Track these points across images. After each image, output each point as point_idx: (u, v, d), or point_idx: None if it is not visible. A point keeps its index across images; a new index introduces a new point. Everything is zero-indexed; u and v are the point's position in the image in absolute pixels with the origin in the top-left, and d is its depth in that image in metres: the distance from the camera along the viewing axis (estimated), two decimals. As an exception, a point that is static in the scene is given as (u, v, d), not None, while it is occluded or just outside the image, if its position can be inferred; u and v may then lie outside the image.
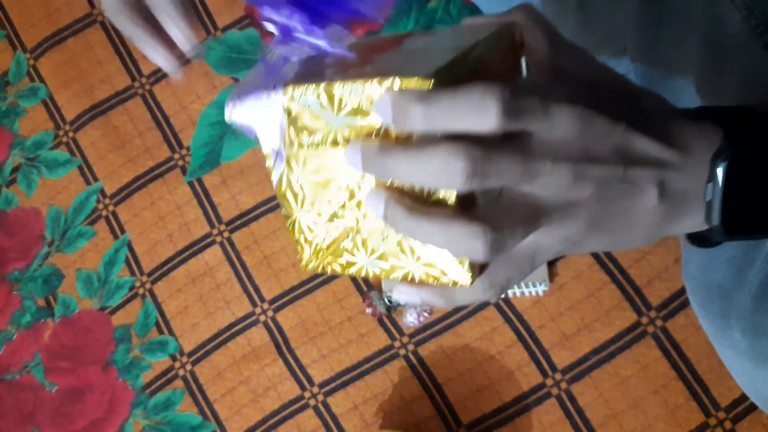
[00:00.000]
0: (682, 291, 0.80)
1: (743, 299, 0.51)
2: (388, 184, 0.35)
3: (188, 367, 0.89)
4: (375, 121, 0.34)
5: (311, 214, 0.38)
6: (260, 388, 0.87)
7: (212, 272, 0.91)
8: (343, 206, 0.37)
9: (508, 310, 0.83)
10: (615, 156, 0.34)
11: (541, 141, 0.33)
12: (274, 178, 0.37)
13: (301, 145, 0.36)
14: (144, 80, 0.98)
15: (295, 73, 0.36)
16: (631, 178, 0.35)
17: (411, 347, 0.85)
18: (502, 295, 0.36)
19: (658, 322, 0.80)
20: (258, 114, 0.36)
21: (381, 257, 0.37)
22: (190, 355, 0.89)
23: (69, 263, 0.94)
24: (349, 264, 0.38)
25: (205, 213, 0.93)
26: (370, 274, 0.38)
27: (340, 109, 0.34)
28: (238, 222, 0.92)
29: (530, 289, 0.82)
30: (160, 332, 0.90)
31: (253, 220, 0.91)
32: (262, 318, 0.89)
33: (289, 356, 0.87)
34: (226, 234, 0.92)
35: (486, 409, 0.82)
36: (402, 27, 0.92)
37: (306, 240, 0.38)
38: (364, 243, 0.38)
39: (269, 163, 0.37)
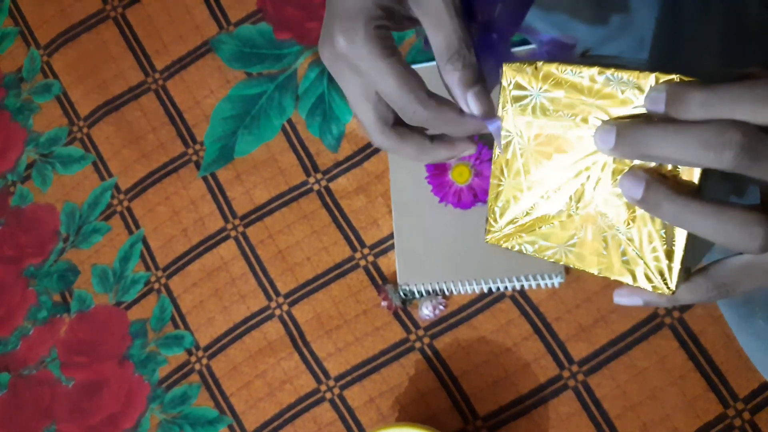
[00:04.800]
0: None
1: (768, 287, 0.51)
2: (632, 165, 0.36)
3: (204, 361, 0.89)
4: (629, 110, 0.35)
5: (523, 186, 0.39)
6: (276, 381, 0.87)
7: (227, 267, 0.91)
8: (563, 189, 0.38)
9: (523, 303, 0.83)
10: None
11: None
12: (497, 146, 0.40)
13: (541, 122, 0.38)
14: (157, 75, 0.98)
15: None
16: None
17: (427, 340, 0.85)
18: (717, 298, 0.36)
19: (676, 314, 0.80)
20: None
21: (579, 246, 0.38)
22: (206, 349, 0.89)
23: (84, 259, 0.95)
24: (543, 248, 0.39)
25: (220, 208, 0.93)
26: (562, 261, 0.39)
27: (597, 93, 0.36)
28: (253, 216, 0.92)
29: (546, 281, 0.81)
30: (176, 327, 0.91)
31: (267, 214, 0.92)
32: (278, 312, 0.89)
33: (304, 350, 0.87)
34: (240, 228, 0.92)
35: (502, 401, 0.82)
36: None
37: (502, 212, 0.40)
38: (565, 227, 0.38)
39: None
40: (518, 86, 0.38)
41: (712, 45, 0.57)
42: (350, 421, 0.85)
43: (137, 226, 0.94)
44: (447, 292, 0.84)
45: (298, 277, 0.89)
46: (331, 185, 0.91)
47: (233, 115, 0.95)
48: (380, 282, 0.87)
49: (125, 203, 0.95)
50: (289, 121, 0.93)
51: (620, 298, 0.38)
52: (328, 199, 0.91)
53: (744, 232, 0.32)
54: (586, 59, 0.40)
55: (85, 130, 0.98)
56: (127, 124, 0.97)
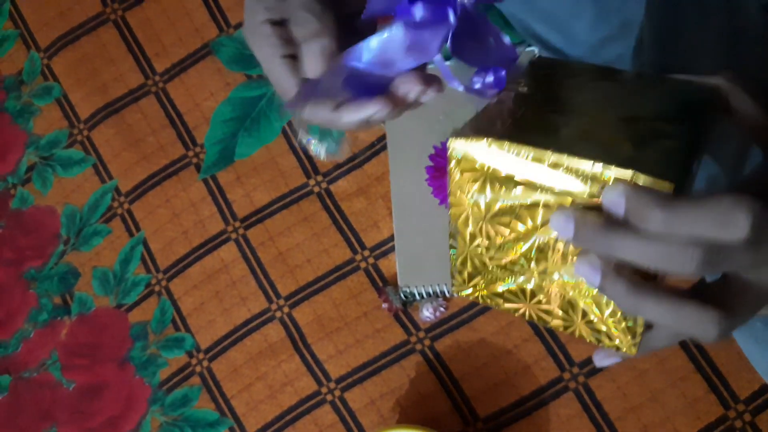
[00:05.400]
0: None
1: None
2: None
3: (205, 363, 0.89)
4: (584, 198, 0.34)
5: (483, 253, 0.39)
6: (277, 383, 0.87)
7: (228, 269, 0.91)
8: (524, 256, 0.37)
9: (524, 304, 0.83)
10: None
11: None
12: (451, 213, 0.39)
13: (496, 196, 0.36)
14: (157, 78, 0.98)
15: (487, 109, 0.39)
16: None
17: (427, 342, 0.85)
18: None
19: (676, 315, 0.80)
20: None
21: (545, 305, 0.38)
22: (206, 351, 0.89)
23: (85, 261, 0.95)
24: (511, 308, 0.39)
25: (220, 210, 0.93)
26: (528, 318, 0.39)
27: (551, 178, 0.34)
28: (253, 219, 0.92)
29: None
30: (177, 329, 0.91)
31: (267, 216, 0.92)
32: (278, 314, 0.89)
33: (305, 352, 0.87)
34: (240, 231, 0.92)
35: (503, 403, 0.82)
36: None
37: (465, 275, 0.40)
38: (530, 292, 0.38)
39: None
40: (468, 160, 0.36)
41: (711, 46, 0.57)
42: (351, 423, 0.85)
43: (138, 229, 0.94)
44: (447, 294, 0.84)
45: (298, 279, 0.89)
46: (332, 187, 0.91)
47: (233, 117, 0.95)
48: (381, 284, 0.87)
49: (126, 206, 0.95)
50: (290, 124, 0.93)
51: (601, 362, 0.40)
52: (328, 201, 0.91)
53: (699, 327, 0.33)
54: (557, 112, 0.38)
55: (85, 132, 0.98)
56: (128, 126, 0.97)
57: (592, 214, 0.33)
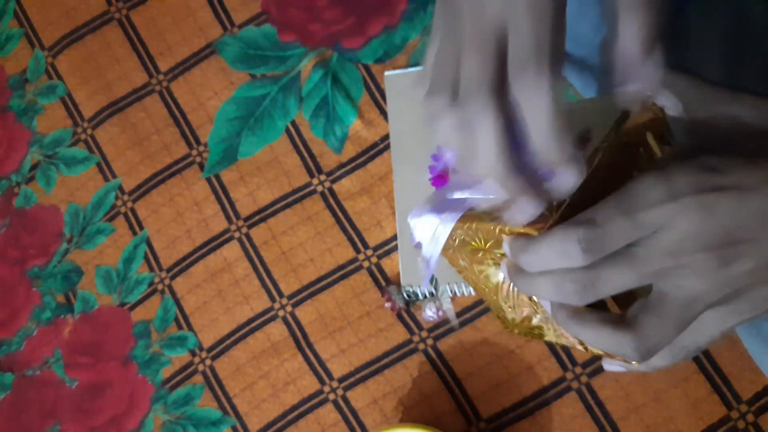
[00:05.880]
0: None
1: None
2: None
3: (208, 362, 0.89)
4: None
5: (502, 306, 0.44)
6: (279, 382, 0.87)
7: (231, 268, 0.91)
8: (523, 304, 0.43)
9: (527, 304, 0.83)
10: (756, 224, 0.32)
11: (656, 243, 0.32)
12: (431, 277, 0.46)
13: (471, 261, 0.42)
14: (161, 77, 0.98)
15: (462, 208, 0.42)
16: None
17: (430, 342, 0.85)
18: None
19: (679, 315, 0.80)
20: (426, 229, 0.42)
21: (563, 335, 0.42)
22: (209, 350, 0.89)
23: (88, 260, 0.95)
24: (542, 336, 0.44)
25: (223, 209, 0.93)
26: (561, 343, 0.44)
27: (486, 242, 0.39)
28: (256, 218, 0.92)
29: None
30: (180, 328, 0.91)
31: (270, 215, 0.92)
32: (281, 313, 0.89)
33: (308, 351, 0.87)
34: (244, 230, 0.92)
35: (506, 403, 0.82)
36: (419, 21, 0.92)
37: (504, 316, 0.45)
38: (548, 322, 0.43)
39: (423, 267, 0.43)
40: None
41: (715, 46, 0.57)
42: (353, 423, 0.85)
43: (141, 227, 0.94)
44: (450, 294, 0.84)
45: (301, 278, 0.89)
46: (335, 186, 0.91)
47: (237, 116, 0.95)
48: (384, 283, 0.87)
49: (129, 204, 0.95)
50: (293, 123, 0.93)
51: (609, 366, 0.42)
52: (331, 201, 0.91)
53: (620, 351, 0.35)
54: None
55: (89, 131, 0.98)
56: (132, 125, 0.97)
57: (516, 266, 0.37)
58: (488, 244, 0.39)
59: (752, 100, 0.36)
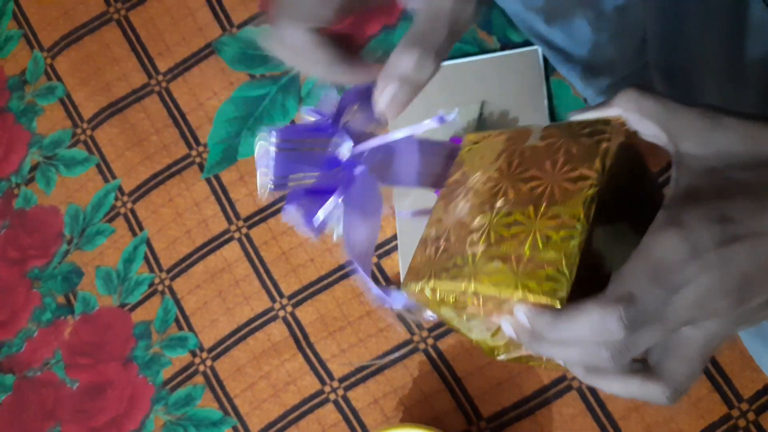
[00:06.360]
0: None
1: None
2: None
3: (208, 362, 0.89)
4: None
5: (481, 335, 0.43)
6: (280, 383, 0.87)
7: (231, 268, 0.91)
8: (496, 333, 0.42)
9: (527, 304, 0.83)
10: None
11: (682, 300, 0.33)
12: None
13: (455, 316, 0.42)
14: (160, 77, 0.98)
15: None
16: None
17: (430, 341, 0.85)
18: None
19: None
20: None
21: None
22: (210, 350, 0.89)
23: (88, 261, 0.95)
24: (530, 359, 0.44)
25: (223, 209, 0.93)
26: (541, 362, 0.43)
27: (478, 306, 0.38)
28: (256, 218, 0.92)
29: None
30: (180, 328, 0.91)
31: (270, 216, 0.92)
32: (281, 313, 0.89)
33: (308, 351, 0.87)
34: (244, 230, 0.92)
35: (506, 402, 0.82)
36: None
37: (486, 344, 0.44)
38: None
39: None
40: (423, 300, 0.42)
41: (713, 45, 0.57)
42: (354, 423, 0.85)
43: (141, 228, 0.94)
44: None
45: (301, 278, 0.89)
46: (335, 187, 0.91)
47: (236, 116, 0.95)
48: (384, 283, 0.87)
49: (129, 205, 0.95)
50: (293, 123, 0.93)
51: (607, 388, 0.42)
52: (331, 201, 0.91)
53: (649, 399, 0.36)
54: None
55: (88, 132, 0.98)
56: (131, 126, 0.97)
57: (525, 329, 0.37)
58: (493, 334, 0.40)
59: (740, 125, 0.35)
